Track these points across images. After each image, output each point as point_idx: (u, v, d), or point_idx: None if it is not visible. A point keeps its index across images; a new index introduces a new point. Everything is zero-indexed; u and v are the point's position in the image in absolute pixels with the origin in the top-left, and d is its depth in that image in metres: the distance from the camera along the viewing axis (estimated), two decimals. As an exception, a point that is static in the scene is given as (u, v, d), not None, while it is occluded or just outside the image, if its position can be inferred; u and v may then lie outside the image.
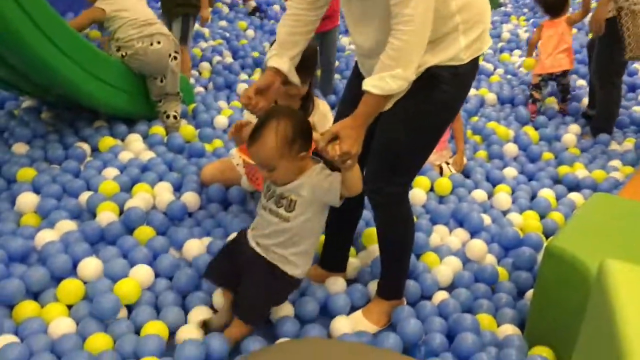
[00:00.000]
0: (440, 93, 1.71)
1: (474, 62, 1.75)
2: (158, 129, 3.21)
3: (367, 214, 2.50)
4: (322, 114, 2.65)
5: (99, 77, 2.88)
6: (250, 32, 5.16)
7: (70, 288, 2.03)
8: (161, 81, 3.18)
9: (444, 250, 2.41)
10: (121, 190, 2.61)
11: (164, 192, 2.61)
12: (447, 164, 3.12)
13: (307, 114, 2.66)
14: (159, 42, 3.10)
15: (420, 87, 1.67)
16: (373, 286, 2.16)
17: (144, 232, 2.36)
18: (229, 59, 4.47)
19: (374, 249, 2.32)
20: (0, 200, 2.56)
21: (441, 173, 3.04)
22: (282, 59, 1.85)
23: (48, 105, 3.28)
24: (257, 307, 1.91)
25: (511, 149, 3.34)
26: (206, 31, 4.88)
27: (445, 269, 2.30)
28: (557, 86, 3.99)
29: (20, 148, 2.92)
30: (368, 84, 1.60)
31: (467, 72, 1.75)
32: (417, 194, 2.76)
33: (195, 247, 2.30)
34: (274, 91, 1.88)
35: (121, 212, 2.49)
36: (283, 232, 1.87)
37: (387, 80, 1.57)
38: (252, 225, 1.99)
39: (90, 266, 2.12)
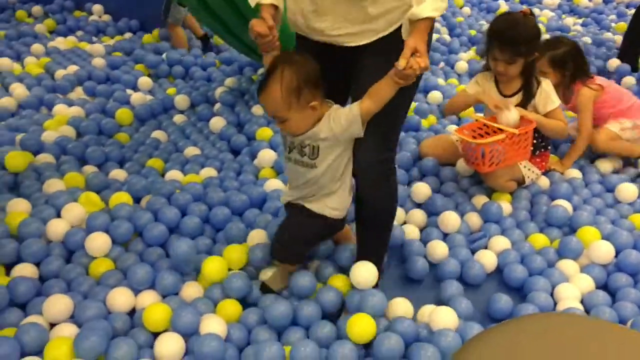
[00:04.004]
0: None
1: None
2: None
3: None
4: (546, 94, 2.53)
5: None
6: (467, 10, 5.14)
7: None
8: None
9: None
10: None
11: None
12: None
13: (530, 94, 2.59)
14: None
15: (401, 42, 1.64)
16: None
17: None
18: (446, 37, 4.50)
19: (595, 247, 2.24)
20: (242, 154, 2.92)
21: None
22: None
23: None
24: (288, 245, 1.96)
25: None
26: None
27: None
28: None
29: (259, 110, 3.25)
30: (428, 10, 1.60)
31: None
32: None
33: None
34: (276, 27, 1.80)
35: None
36: (314, 181, 1.84)
37: (439, 2, 1.62)
38: (288, 182, 2.03)
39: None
